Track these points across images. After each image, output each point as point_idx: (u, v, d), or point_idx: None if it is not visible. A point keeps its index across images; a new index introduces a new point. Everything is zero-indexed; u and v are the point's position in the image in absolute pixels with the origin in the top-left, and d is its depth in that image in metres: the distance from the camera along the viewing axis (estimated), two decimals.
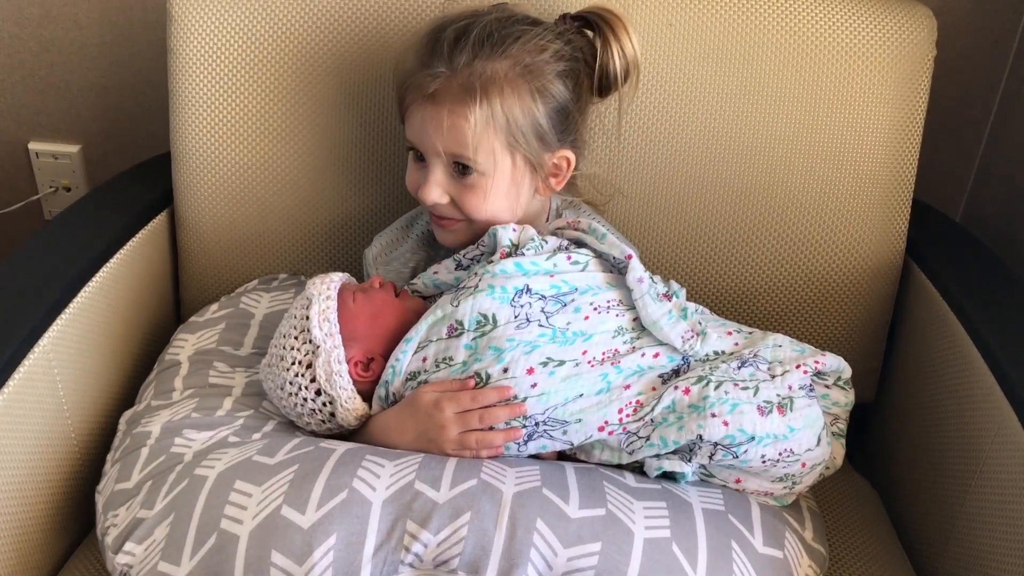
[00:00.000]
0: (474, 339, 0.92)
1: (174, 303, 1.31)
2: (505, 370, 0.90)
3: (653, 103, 1.17)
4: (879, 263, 1.21)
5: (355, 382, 0.95)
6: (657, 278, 0.98)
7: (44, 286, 1.01)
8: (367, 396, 0.97)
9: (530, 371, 0.90)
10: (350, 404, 0.95)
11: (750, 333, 0.99)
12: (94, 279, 1.08)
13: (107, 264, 1.11)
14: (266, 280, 1.24)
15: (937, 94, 1.25)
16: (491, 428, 0.90)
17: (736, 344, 0.97)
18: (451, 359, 0.92)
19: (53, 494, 1.02)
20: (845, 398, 0.99)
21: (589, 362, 0.91)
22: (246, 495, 0.85)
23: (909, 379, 1.21)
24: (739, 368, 0.92)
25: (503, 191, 1.00)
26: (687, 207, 1.20)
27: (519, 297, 0.92)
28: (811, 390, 0.94)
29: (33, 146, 1.58)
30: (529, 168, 1.00)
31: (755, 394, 0.90)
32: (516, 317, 0.92)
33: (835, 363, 0.97)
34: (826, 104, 1.16)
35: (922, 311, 1.18)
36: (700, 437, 0.88)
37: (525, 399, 0.90)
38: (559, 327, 0.92)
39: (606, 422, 0.90)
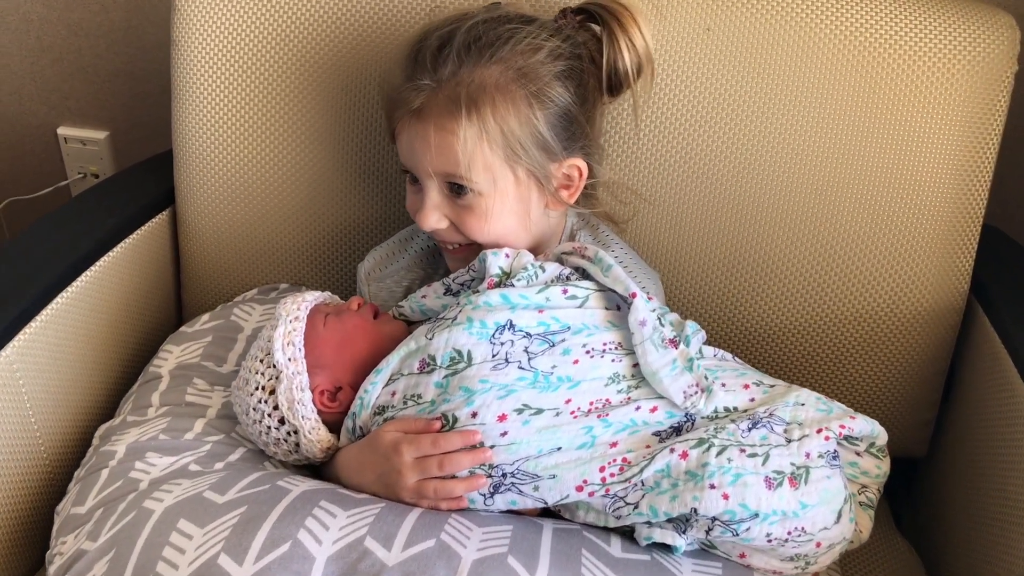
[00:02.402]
0: (445, 377, 0.82)
1: (176, 305, 1.25)
2: (474, 414, 0.80)
3: (688, 116, 1.05)
4: (938, 303, 1.07)
5: (321, 412, 0.87)
6: (669, 318, 0.85)
7: (12, 293, 0.95)
8: (336, 427, 0.89)
9: (502, 418, 0.80)
10: (314, 435, 0.87)
11: (772, 386, 0.86)
12: (75, 283, 1.02)
13: (91, 267, 1.04)
14: (265, 290, 1.17)
15: (1020, 113, 1.10)
16: (453, 477, 0.81)
17: (752, 400, 0.84)
18: (420, 397, 0.83)
19: (17, 510, 0.96)
20: (877, 468, 0.86)
21: (572, 412, 0.81)
22: (187, 537, 0.78)
23: (963, 435, 1.07)
24: (749, 430, 0.80)
25: (509, 209, 0.90)
26: (720, 230, 1.08)
27: (500, 334, 0.82)
28: (835, 457, 0.82)
29: (62, 131, 1.56)
30: (535, 182, 0.90)
31: (764, 463, 0.78)
32: (494, 356, 0.82)
33: (866, 427, 0.84)
34: (884, 122, 1.02)
35: (983, 362, 1.04)
36: (695, 510, 0.77)
37: (493, 447, 0.80)
38: (542, 370, 0.81)
39: (585, 481, 0.80)
